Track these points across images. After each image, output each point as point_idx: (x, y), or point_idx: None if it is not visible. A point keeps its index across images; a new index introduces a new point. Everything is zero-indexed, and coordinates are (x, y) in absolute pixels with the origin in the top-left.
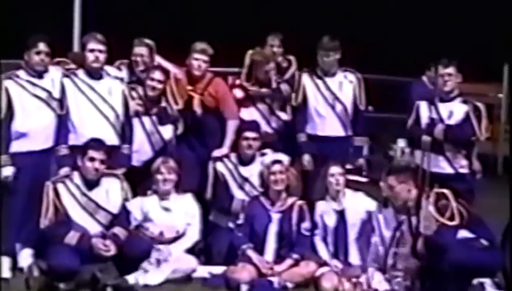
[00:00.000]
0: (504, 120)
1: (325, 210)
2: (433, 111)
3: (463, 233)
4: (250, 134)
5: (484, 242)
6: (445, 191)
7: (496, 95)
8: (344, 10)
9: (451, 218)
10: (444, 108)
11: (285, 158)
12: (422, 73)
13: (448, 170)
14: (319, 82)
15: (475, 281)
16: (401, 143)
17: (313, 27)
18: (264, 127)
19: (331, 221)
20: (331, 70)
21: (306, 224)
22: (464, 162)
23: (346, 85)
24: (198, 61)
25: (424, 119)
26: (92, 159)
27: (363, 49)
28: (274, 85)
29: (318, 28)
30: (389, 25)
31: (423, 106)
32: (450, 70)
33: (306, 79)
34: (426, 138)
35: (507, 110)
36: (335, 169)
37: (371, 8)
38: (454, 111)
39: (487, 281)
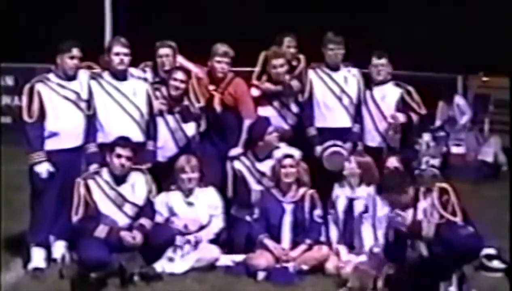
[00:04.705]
0: None
1: (339, 195)
2: (367, 95)
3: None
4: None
5: (470, 228)
6: (446, 186)
7: None
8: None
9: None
10: (377, 91)
11: (296, 153)
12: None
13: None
14: (325, 77)
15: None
16: (426, 137)
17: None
18: (282, 124)
19: (341, 206)
20: (336, 65)
21: (318, 212)
22: (398, 137)
23: (350, 78)
24: (221, 64)
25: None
26: (119, 156)
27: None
28: (285, 81)
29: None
30: (409, 20)
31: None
32: (383, 61)
33: (312, 74)
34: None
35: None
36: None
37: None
38: (387, 93)
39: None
